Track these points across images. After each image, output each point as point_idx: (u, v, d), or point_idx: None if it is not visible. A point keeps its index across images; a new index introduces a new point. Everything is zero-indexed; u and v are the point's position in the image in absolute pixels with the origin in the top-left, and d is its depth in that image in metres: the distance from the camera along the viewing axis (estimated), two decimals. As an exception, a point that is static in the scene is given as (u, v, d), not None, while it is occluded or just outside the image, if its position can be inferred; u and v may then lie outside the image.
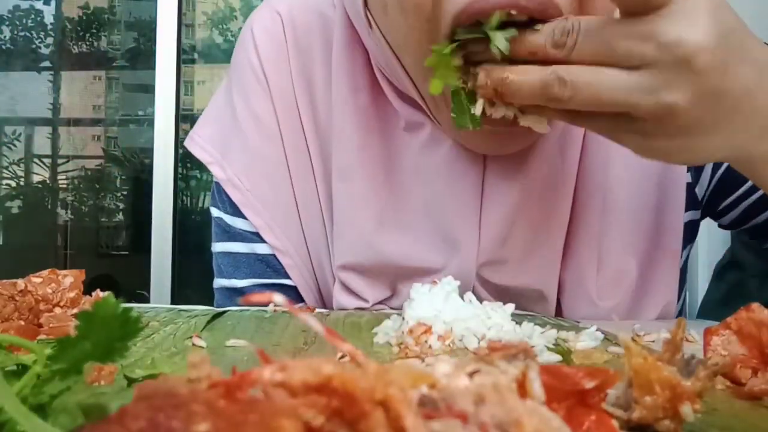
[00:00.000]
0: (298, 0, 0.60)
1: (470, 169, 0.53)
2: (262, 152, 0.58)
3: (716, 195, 0.60)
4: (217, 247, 0.64)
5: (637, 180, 0.58)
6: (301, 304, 0.63)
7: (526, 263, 0.55)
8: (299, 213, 0.59)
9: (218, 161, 0.61)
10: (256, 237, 0.60)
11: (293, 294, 0.61)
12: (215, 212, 0.63)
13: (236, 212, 0.61)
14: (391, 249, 0.55)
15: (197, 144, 0.62)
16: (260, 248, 0.60)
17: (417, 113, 0.54)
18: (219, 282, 0.64)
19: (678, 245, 0.59)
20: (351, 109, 0.54)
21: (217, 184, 0.62)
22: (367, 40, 0.52)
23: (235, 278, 0.61)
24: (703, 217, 0.64)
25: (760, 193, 0.58)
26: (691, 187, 0.60)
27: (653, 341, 0.41)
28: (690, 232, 0.61)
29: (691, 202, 0.60)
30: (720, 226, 0.65)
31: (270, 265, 0.61)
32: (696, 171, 0.60)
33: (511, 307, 0.44)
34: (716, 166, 0.59)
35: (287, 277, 0.61)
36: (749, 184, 0.58)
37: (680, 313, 0.64)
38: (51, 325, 0.39)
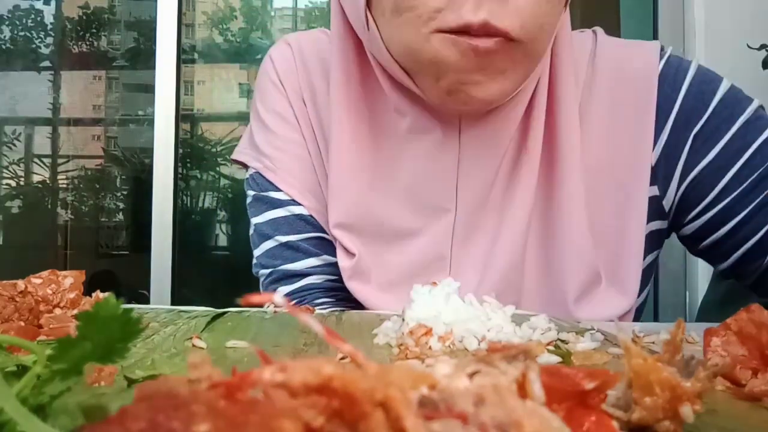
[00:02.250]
0: (302, 34, 0.75)
1: (447, 151, 0.62)
2: (287, 138, 0.70)
3: (680, 208, 0.66)
4: (257, 219, 0.71)
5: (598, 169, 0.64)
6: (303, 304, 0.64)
7: (498, 226, 0.63)
8: (319, 182, 0.70)
9: (255, 157, 0.72)
10: (293, 202, 0.69)
11: (330, 248, 0.67)
12: (251, 193, 0.72)
13: (271, 187, 0.70)
14: (379, 210, 0.64)
15: (239, 152, 0.75)
16: (297, 209, 0.69)
17: (404, 101, 0.62)
18: (262, 247, 0.70)
19: (641, 225, 0.63)
20: (344, 92, 0.64)
21: (251, 176, 0.73)
22: (363, 35, 0.61)
23: (280, 235, 0.69)
24: (670, 229, 0.69)
25: (719, 207, 0.63)
26: (658, 200, 0.65)
27: (653, 342, 0.41)
28: (656, 240, 0.67)
29: (657, 213, 0.66)
30: (681, 239, 0.69)
31: (309, 222, 0.69)
32: (663, 185, 0.65)
33: (511, 309, 0.44)
34: (682, 179, 0.64)
35: (324, 232, 0.68)
36: (711, 197, 0.63)
37: (679, 313, 0.67)
38: (51, 325, 0.39)
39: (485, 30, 0.50)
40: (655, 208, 0.65)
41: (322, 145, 0.69)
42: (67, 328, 0.38)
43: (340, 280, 0.65)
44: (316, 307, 0.63)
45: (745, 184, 0.61)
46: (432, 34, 0.52)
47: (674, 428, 0.21)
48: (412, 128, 0.62)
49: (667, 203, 0.66)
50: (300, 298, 0.67)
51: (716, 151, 0.63)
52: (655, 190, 0.65)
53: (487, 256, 0.63)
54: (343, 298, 0.66)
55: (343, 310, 0.60)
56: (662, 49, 0.67)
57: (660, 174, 0.65)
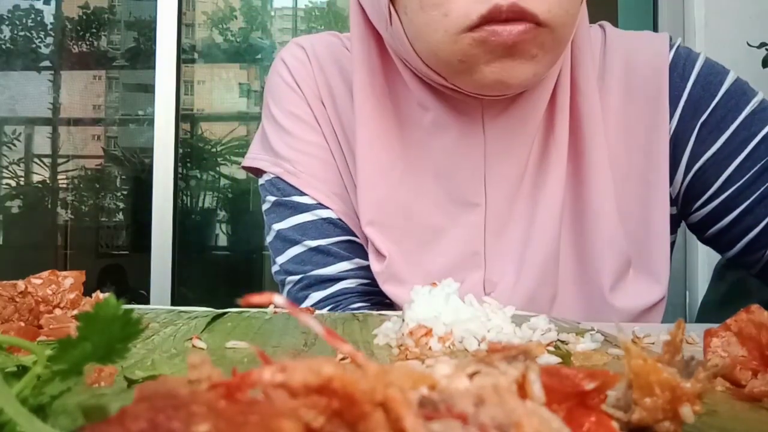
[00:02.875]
0: (313, 36, 0.74)
1: (471, 145, 0.62)
2: (307, 140, 0.69)
3: (687, 197, 0.67)
4: (279, 225, 0.68)
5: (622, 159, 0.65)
6: (305, 305, 0.64)
7: (532, 218, 0.62)
8: (345, 185, 0.68)
9: (273, 162, 0.70)
10: (319, 206, 0.67)
11: (361, 251, 0.66)
12: (271, 199, 0.69)
13: (294, 192, 0.68)
14: (409, 205, 0.63)
15: (252, 158, 0.72)
16: (325, 213, 0.67)
17: (426, 96, 0.62)
18: (288, 253, 0.67)
19: (666, 217, 0.64)
20: (369, 91, 0.63)
21: (269, 181, 0.70)
22: (384, 33, 0.61)
23: (308, 239, 0.66)
24: (679, 216, 0.69)
25: (724, 196, 0.64)
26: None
27: (653, 343, 0.41)
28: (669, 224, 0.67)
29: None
30: (689, 227, 0.70)
31: (338, 226, 0.67)
32: (670, 172, 0.66)
33: (511, 309, 0.44)
34: (688, 168, 0.65)
35: (354, 235, 0.67)
36: (715, 187, 0.64)
37: (679, 312, 0.67)
38: (51, 326, 0.39)
39: (513, 12, 0.50)
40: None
41: (345, 147, 0.68)
42: (67, 329, 0.38)
43: (373, 283, 0.63)
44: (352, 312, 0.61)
45: (748, 175, 0.62)
46: (460, 36, 0.52)
47: (674, 429, 0.21)
48: (435, 123, 0.62)
49: (673, 191, 0.67)
50: (335, 303, 0.65)
51: (722, 141, 0.63)
52: None
53: (523, 249, 0.62)
54: (377, 302, 0.65)
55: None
56: (671, 39, 0.68)
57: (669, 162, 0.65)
